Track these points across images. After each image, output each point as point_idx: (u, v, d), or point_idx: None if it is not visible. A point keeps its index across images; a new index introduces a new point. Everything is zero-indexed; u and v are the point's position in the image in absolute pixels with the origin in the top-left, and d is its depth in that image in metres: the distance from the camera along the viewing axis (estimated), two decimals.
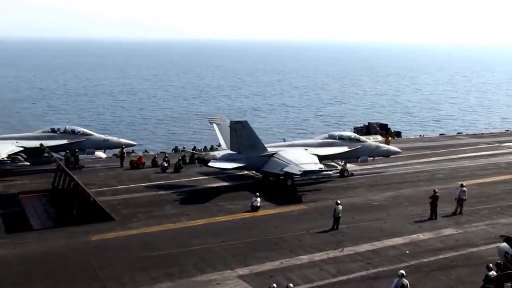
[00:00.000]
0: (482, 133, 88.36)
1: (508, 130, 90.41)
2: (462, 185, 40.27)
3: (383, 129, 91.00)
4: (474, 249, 32.34)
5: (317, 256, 30.98)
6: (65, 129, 57.06)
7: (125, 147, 58.55)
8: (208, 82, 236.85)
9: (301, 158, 46.81)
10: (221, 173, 51.47)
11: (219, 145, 55.25)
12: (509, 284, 25.02)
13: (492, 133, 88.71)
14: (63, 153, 55.19)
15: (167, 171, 54.01)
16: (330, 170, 49.02)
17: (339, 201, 36.74)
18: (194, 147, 71.58)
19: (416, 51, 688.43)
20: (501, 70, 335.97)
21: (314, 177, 47.60)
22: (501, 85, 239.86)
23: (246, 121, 50.00)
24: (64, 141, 55.36)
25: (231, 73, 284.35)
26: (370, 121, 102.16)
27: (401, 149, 56.76)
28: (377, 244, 33.00)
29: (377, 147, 54.70)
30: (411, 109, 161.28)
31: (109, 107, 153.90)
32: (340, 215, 35.90)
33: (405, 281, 24.17)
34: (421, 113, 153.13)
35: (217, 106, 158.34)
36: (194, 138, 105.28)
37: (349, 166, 53.46)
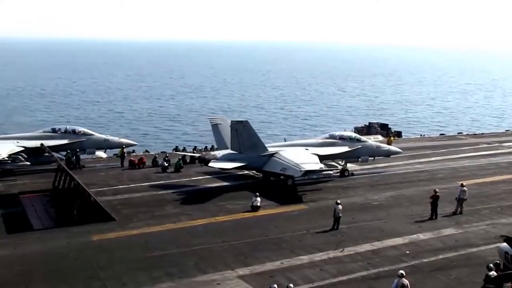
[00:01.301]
0: (483, 133, 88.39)
1: (508, 130, 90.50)
2: (462, 185, 40.30)
3: (384, 129, 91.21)
4: (474, 249, 32.30)
5: (318, 256, 30.94)
6: (66, 129, 57.18)
7: (126, 147, 58.64)
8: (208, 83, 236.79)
9: (302, 158, 46.84)
10: (221, 173, 51.48)
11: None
12: (509, 284, 25.03)
13: (492, 133, 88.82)
14: (64, 153, 55.22)
15: (168, 170, 54.08)
16: (331, 170, 49.10)
17: (339, 201, 36.72)
18: (195, 147, 71.74)
19: (417, 54, 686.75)
20: None
21: (315, 176, 47.73)
22: None
23: (247, 121, 50.02)
24: (65, 141, 55.43)
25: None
26: (370, 121, 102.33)
27: (401, 149, 56.82)
28: (377, 244, 32.98)
29: (378, 147, 54.77)
30: (410, 109, 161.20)
31: (111, 107, 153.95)
32: (341, 215, 35.91)
33: (405, 281, 24.18)
34: (421, 113, 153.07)
35: (214, 106, 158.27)
36: (195, 138, 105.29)
37: (350, 166, 53.50)
